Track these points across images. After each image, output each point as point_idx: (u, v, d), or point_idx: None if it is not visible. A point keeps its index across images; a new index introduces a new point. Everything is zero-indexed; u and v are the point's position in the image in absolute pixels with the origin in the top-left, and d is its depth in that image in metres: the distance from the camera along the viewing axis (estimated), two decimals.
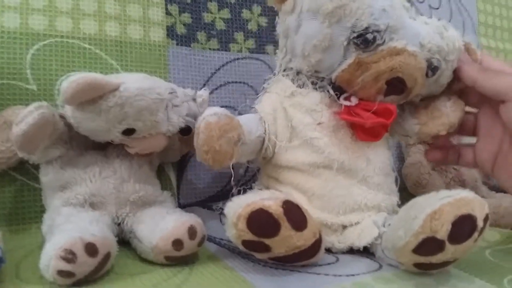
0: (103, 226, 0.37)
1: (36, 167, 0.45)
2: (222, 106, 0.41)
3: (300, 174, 0.42)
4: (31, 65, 0.49)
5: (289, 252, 0.35)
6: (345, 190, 0.41)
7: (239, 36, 0.63)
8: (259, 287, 0.34)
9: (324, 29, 0.39)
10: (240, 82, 0.62)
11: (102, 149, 0.45)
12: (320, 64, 0.41)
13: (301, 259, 0.36)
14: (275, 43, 0.63)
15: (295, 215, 0.34)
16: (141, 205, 0.43)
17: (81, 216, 0.38)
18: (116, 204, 0.42)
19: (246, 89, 0.62)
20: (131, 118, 0.40)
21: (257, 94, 0.47)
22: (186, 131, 0.45)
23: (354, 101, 0.41)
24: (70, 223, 0.37)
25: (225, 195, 0.57)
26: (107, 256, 0.34)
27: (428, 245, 0.32)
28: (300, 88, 0.43)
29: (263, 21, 0.65)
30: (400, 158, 0.69)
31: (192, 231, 0.37)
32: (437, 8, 0.84)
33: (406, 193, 0.61)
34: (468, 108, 0.45)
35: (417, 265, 0.34)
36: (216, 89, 0.60)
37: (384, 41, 0.38)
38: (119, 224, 0.42)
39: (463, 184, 0.64)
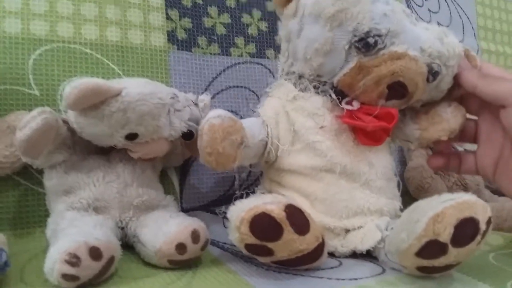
0: (107, 230, 0.37)
1: (40, 171, 0.45)
2: None
3: (302, 178, 0.42)
4: (33, 70, 0.50)
5: (292, 256, 0.34)
6: (348, 194, 0.41)
7: (240, 40, 0.63)
8: None
9: (326, 33, 0.39)
10: (241, 87, 0.62)
11: (105, 153, 0.45)
12: (322, 68, 0.41)
13: (304, 263, 0.36)
14: (276, 48, 0.63)
15: (298, 219, 0.34)
16: (144, 209, 0.43)
17: (85, 220, 0.39)
18: (119, 208, 0.42)
19: (248, 93, 0.62)
20: (133, 123, 0.40)
21: (259, 98, 0.47)
22: (189, 136, 0.45)
23: (356, 105, 0.41)
24: (74, 227, 0.37)
25: (228, 199, 0.57)
26: (111, 260, 0.34)
27: (431, 248, 0.32)
28: (302, 92, 0.43)
29: (263, 25, 0.65)
30: (402, 162, 0.69)
31: (195, 235, 0.37)
32: (437, 12, 0.84)
33: (408, 197, 0.61)
34: (468, 116, 0.45)
35: (420, 269, 0.34)
36: (218, 93, 0.60)
37: (385, 45, 0.39)
38: (122, 228, 0.42)
39: (465, 188, 0.64)
